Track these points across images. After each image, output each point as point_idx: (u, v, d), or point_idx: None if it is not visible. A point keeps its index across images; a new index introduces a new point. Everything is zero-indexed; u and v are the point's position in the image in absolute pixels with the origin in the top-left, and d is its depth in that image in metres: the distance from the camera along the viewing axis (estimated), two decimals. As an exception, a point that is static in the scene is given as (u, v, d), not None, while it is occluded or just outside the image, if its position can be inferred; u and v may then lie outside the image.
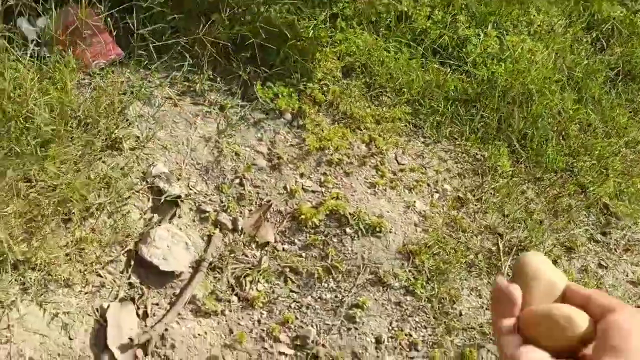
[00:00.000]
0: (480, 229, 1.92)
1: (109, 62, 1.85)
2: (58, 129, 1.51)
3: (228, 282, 1.65)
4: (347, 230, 1.81)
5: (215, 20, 2.00)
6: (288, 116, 2.04)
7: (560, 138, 2.25)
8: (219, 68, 2.05)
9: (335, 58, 2.24)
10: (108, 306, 1.50)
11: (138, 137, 1.77)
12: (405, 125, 2.15)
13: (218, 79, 2.02)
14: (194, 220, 1.74)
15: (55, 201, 1.45)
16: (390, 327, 1.66)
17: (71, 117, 1.60)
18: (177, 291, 1.60)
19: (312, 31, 2.24)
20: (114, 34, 1.85)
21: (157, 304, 1.57)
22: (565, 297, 0.62)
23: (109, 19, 1.78)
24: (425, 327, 1.68)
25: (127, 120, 1.76)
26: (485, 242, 1.89)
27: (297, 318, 1.64)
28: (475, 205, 1.98)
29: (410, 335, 1.66)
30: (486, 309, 1.75)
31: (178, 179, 1.77)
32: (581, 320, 0.59)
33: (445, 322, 1.70)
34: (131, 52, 1.86)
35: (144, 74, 1.89)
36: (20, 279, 1.43)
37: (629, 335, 0.57)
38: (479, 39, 2.45)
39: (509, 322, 0.62)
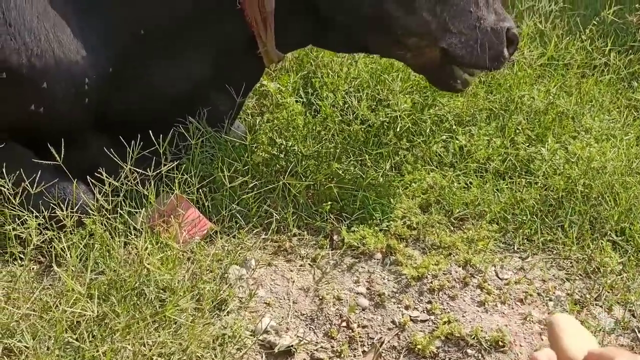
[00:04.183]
0: (609, 326, 1.78)
1: (203, 236, 1.95)
2: (171, 298, 1.55)
3: None
4: (469, 351, 1.70)
5: (292, 184, 2.12)
6: (378, 255, 2.05)
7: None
8: (304, 224, 2.12)
9: (410, 197, 2.30)
10: None
11: (240, 298, 1.80)
12: (496, 244, 2.12)
13: (305, 234, 2.09)
14: (309, 371, 1.68)
15: (175, 366, 1.45)
16: None
17: (178, 288, 1.65)
18: None
19: (381, 178, 2.34)
20: (204, 207, 1.98)
21: None
22: None
23: (196, 194, 1.91)
24: None
25: (229, 283, 1.81)
26: (620, 339, 1.74)
27: None
28: (596, 304, 1.86)
29: None
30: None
31: (287, 331, 1.74)
32: None
33: None
34: (222, 221, 1.96)
35: (236, 240, 1.97)
36: None
37: None
38: (543, 155, 2.50)
39: None
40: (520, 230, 2.17)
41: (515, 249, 2.12)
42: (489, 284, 1.94)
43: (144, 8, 1.85)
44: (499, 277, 1.99)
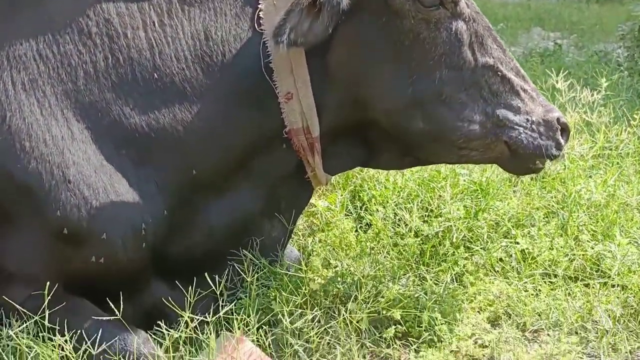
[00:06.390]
0: None
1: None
2: None
3: None
4: None
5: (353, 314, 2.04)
6: (452, 383, 1.91)
7: None
8: (369, 351, 2.02)
9: (477, 311, 2.18)
10: None
11: None
12: (579, 357, 1.96)
13: (369, 369, 1.98)
14: None
15: None
16: None
17: None
18: None
19: (444, 294, 2.23)
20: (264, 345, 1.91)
21: None
22: None
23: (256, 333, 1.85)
24: None
25: None
26: None
27: None
28: None
29: None
30: None
31: None
32: None
33: None
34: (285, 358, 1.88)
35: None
36: None
37: None
38: (614, 252, 2.36)
39: None
40: (604, 339, 2.01)
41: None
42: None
43: (195, 153, 1.89)
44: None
